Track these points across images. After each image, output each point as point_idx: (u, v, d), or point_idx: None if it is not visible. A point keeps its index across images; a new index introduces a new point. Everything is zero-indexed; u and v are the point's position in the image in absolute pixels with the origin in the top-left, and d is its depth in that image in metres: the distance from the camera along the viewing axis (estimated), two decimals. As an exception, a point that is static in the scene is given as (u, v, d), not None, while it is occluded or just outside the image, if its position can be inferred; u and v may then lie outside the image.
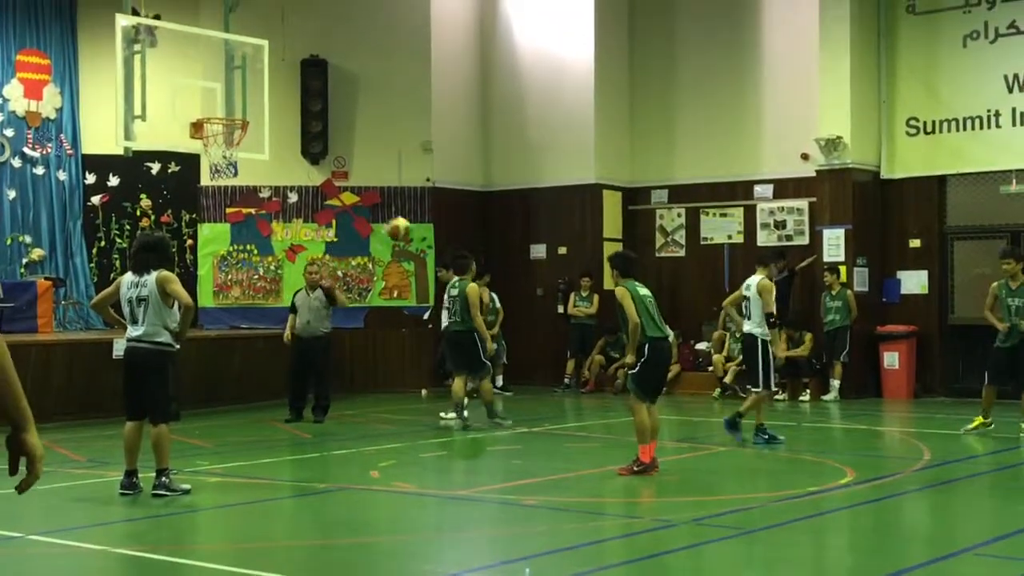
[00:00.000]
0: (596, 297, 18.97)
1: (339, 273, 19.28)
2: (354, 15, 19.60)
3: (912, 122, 18.04)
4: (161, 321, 9.20)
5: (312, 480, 10.68)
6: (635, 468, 10.13)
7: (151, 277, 9.20)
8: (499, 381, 18.57)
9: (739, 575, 7.06)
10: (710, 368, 18.44)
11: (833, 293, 17.44)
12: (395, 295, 19.55)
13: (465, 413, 14.05)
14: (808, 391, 17.54)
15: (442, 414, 14.71)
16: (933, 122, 17.87)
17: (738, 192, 19.35)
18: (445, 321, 14.61)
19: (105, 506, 8.97)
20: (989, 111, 17.38)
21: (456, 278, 14.29)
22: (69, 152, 19.65)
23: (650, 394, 10.38)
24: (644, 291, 10.39)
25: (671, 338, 10.99)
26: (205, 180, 18.84)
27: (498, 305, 18.12)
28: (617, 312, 10.35)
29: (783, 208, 18.90)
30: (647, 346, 10.18)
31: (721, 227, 19.53)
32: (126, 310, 9.33)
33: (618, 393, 17.47)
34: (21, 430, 3.38)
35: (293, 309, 15.22)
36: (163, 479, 9.14)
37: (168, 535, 8.29)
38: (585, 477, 10.62)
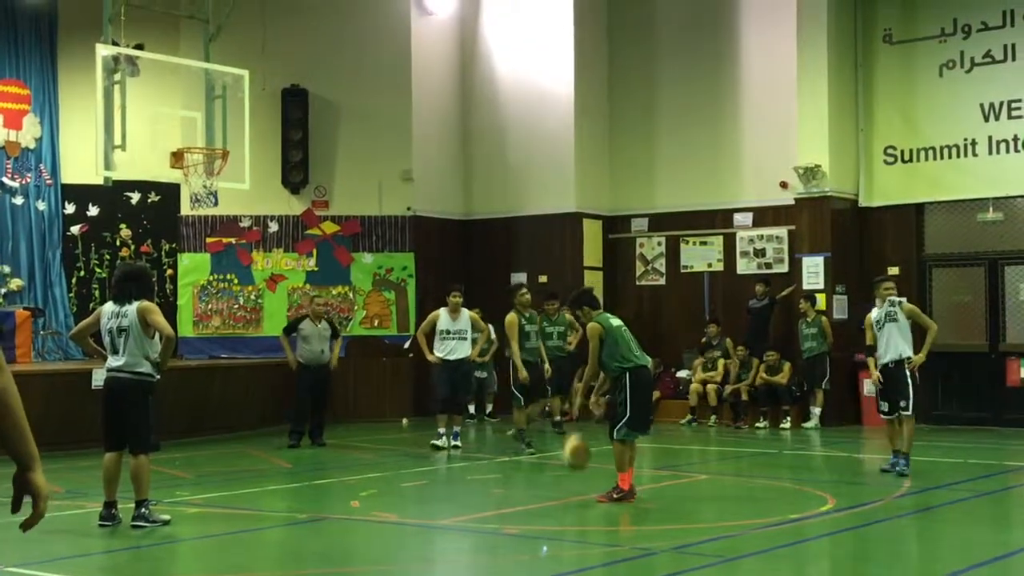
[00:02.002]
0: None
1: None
2: (335, 45, 19.67)
3: (890, 151, 18.17)
4: (142, 351, 9.17)
5: (292, 510, 10.63)
6: (614, 495, 10.13)
7: (132, 307, 9.16)
8: (487, 409, 19.03)
9: (721, 603, 7.06)
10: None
11: (809, 320, 17.51)
12: (375, 324, 19.55)
13: (525, 440, 14.29)
14: (788, 418, 17.58)
15: (434, 441, 14.69)
16: (910, 151, 18.01)
17: (718, 220, 19.45)
18: (459, 354, 14.61)
19: (84, 538, 8.91)
20: (966, 140, 17.52)
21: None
22: (48, 182, 19.61)
23: (642, 426, 10.36)
24: (617, 321, 10.45)
25: (650, 365, 10.96)
26: (185, 210, 18.85)
27: (493, 336, 18.34)
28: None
29: (762, 236, 19.00)
30: (627, 375, 10.18)
31: (701, 255, 19.61)
32: (106, 340, 9.29)
33: (599, 422, 17.45)
34: (28, 469, 3.37)
35: (291, 331, 15.49)
36: (142, 510, 9.08)
37: (148, 567, 8.24)
38: (566, 506, 10.60)
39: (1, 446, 3.35)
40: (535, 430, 14.76)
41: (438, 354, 14.55)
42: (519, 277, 20.14)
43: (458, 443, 14.72)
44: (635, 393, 10.16)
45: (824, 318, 17.52)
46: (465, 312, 14.69)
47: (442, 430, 14.63)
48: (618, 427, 10.16)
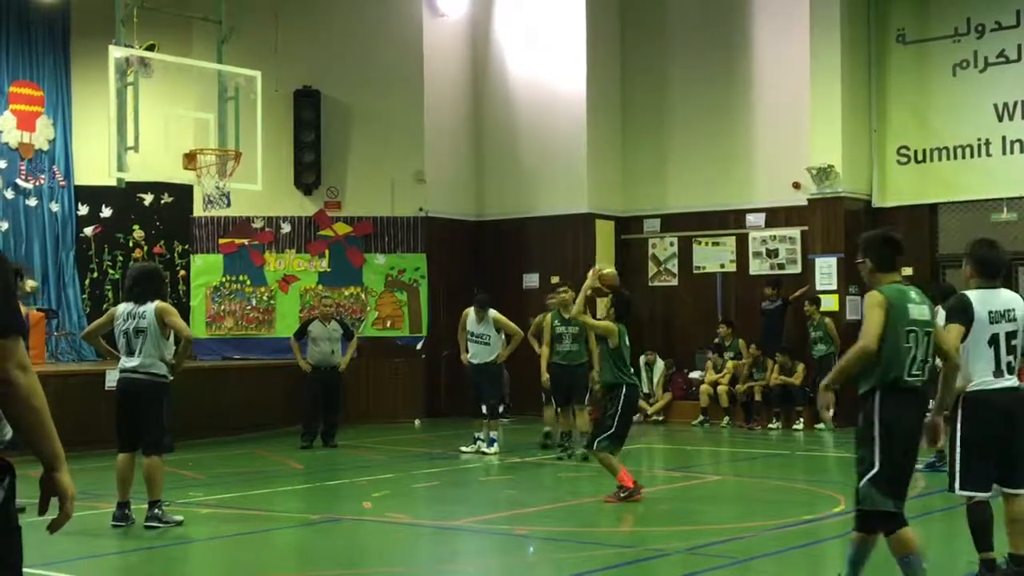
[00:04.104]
0: (589, 326, 18.95)
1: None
2: (347, 46, 19.68)
3: (903, 151, 18.12)
4: (158, 352, 9.18)
5: (305, 511, 10.65)
6: (621, 495, 10.20)
7: (150, 308, 9.16)
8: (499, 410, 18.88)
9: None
10: (703, 397, 18.50)
11: (815, 323, 17.47)
12: (388, 325, 19.55)
13: (573, 444, 13.91)
14: (802, 420, 17.53)
15: (462, 447, 14.58)
16: (924, 151, 17.95)
17: (730, 221, 19.41)
18: (479, 358, 14.44)
19: (97, 538, 8.93)
20: (979, 140, 17.46)
21: None
22: (62, 183, 19.67)
23: (621, 442, 10.43)
24: (627, 340, 10.49)
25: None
26: (198, 211, 18.88)
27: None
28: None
29: (775, 237, 18.96)
30: (624, 392, 10.25)
31: (713, 256, 19.57)
32: (121, 341, 9.29)
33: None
34: (53, 470, 3.37)
35: (302, 335, 15.45)
36: (155, 511, 9.10)
37: (161, 567, 8.25)
38: (577, 507, 10.60)
39: (27, 446, 3.36)
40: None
41: (468, 356, 14.60)
42: (531, 278, 20.14)
43: (488, 449, 14.28)
44: (626, 410, 10.28)
45: (828, 320, 17.47)
46: (490, 315, 14.55)
47: (479, 434, 14.50)
48: (600, 438, 10.24)
